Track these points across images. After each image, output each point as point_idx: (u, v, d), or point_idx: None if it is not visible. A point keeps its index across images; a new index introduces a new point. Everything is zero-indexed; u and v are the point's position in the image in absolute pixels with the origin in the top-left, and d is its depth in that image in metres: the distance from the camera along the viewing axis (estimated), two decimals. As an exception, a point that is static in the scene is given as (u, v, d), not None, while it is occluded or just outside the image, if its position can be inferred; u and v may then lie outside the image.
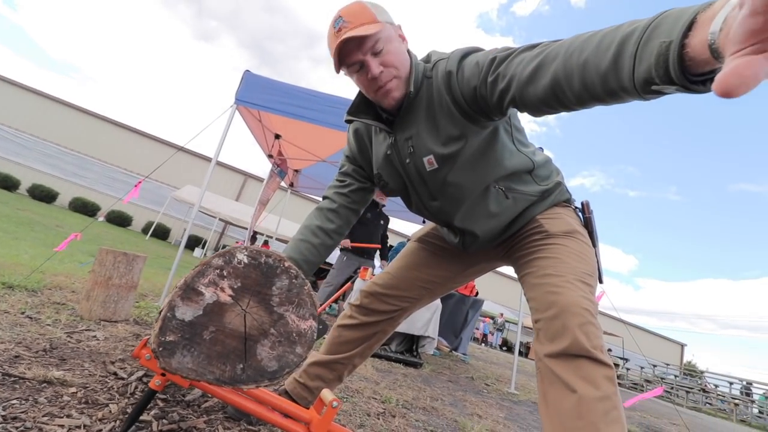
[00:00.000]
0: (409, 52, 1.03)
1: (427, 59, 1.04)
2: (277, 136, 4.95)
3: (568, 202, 1.17)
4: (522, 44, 0.86)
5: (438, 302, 3.62)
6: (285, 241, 13.22)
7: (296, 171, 6.45)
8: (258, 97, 3.42)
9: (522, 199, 1.09)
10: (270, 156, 5.14)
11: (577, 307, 0.84)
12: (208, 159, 17.84)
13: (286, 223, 12.95)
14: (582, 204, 1.19)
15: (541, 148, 2.84)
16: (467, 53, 0.95)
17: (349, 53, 0.93)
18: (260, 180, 17.74)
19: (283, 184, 6.19)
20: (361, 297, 1.37)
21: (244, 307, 0.73)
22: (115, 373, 1.41)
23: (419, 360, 3.41)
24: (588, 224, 1.14)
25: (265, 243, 13.42)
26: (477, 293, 5.44)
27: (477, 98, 0.90)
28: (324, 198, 1.32)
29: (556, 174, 1.19)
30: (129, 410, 1.12)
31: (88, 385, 1.24)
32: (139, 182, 3.36)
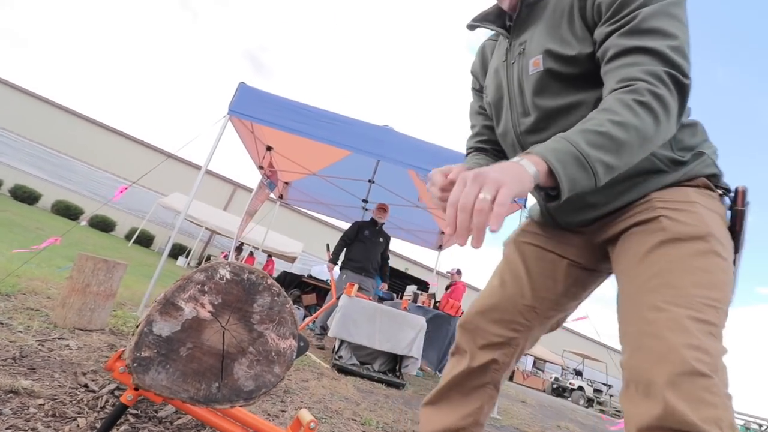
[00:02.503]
0: None
1: None
2: (269, 148, 4.96)
3: (712, 179, 0.84)
4: None
5: (423, 321, 3.60)
6: (271, 253, 13.07)
7: (286, 183, 6.44)
8: (251, 109, 3.44)
9: (647, 159, 0.83)
10: (260, 167, 5.13)
11: (670, 355, 0.63)
12: (197, 167, 17.69)
13: (274, 234, 12.83)
14: (736, 191, 0.84)
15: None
16: None
17: None
18: (250, 190, 17.65)
19: (272, 195, 6.17)
20: (456, 338, 1.10)
21: (224, 324, 0.72)
22: (86, 385, 1.36)
23: (402, 381, 3.36)
24: (737, 222, 0.81)
25: (251, 255, 13.25)
26: (462, 313, 5.43)
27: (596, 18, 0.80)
28: (468, 149, 1.21)
29: (707, 146, 0.88)
30: (98, 425, 1.08)
31: (56, 397, 1.19)
32: (126, 187, 3.32)
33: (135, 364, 0.64)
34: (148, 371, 0.65)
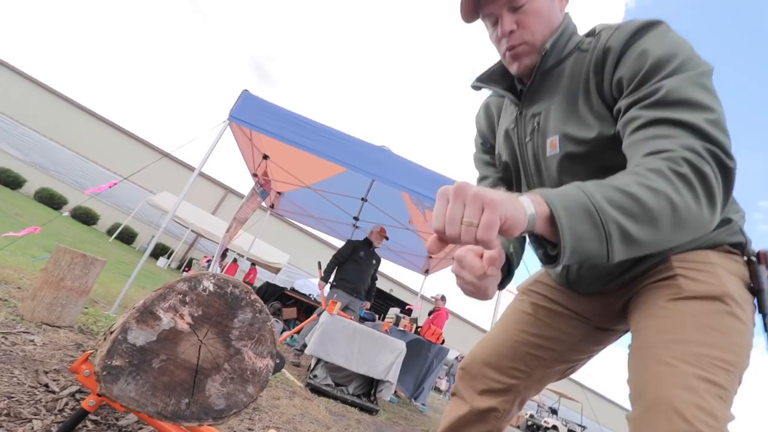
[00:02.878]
0: (567, 15, 0.87)
1: (591, 32, 0.85)
2: (266, 157, 4.96)
3: (737, 247, 0.80)
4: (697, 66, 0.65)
5: (402, 345, 3.54)
6: (255, 262, 12.88)
7: (279, 193, 6.41)
8: (252, 117, 3.45)
9: None
10: (255, 175, 5.11)
11: (672, 411, 0.59)
12: (189, 167, 17.54)
13: (261, 243, 12.68)
14: (758, 255, 0.79)
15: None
16: (641, 32, 0.72)
17: (487, 2, 0.82)
18: (241, 196, 17.50)
19: (263, 204, 6.13)
20: (456, 380, 1.08)
21: (201, 338, 0.70)
22: (46, 385, 1.30)
23: (376, 406, 3.28)
24: (755, 281, 0.77)
25: (234, 261, 13.03)
26: (443, 341, 5.37)
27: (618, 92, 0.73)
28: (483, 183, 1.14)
29: (733, 210, 0.83)
30: (54, 430, 1.03)
31: (13, 395, 1.13)
32: (116, 182, 3.27)
33: (104, 373, 0.62)
34: (117, 381, 0.63)
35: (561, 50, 0.83)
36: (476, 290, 0.65)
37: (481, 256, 0.64)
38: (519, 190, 1.00)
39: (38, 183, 15.00)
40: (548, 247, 0.57)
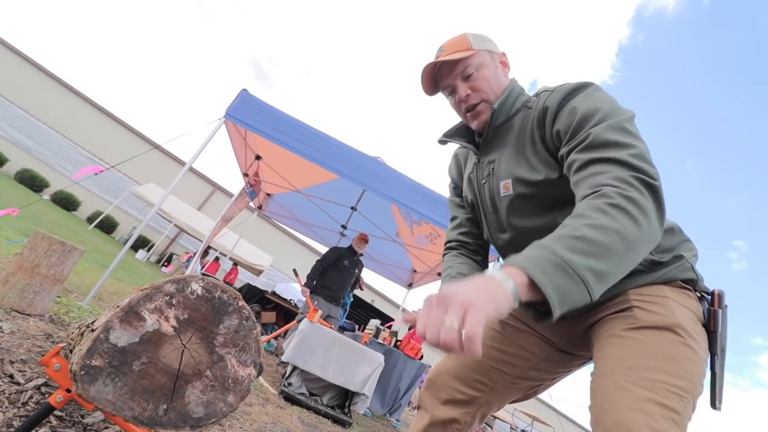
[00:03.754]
0: (513, 80, 1.03)
1: (536, 93, 1.00)
2: (258, 157, 4.93)
3: (689, 283, 0.87)
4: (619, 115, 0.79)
5: (381, 358, 3.51)
6: (237, 262, 12.67)
7: (268, 195, 6.36)
8: (248, 117, 3.44)
9: None
10: (245, 175, 5.07)
11: None
12: (178, 161, 17.28)
13: (245, 244, 12.51)
14: (712, 294, 0.87)
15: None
16: (572, 93, 0.87)
17: (442, 77, 1.00)
18: (229, 194, 17.29)
19: (251, 204, 6.07)
20: (421, 392, 1.12)
21: (185, 342, 0.68)
22: (11, 376, 1.25)
23: (349, 419, 3.23)
24: (711, 322, 0.83)
25: (216, 260, 12.81)
26: (422, 357, 5.35)
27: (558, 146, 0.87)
28: (448, 242, 1.23)
29: (686, 248, 0.91)
30: (17, 423, 0.98)
31: (-25, 387, 1.09)
32: (103, 169, 3.20)
33: (83, 372, 0.60)
34: (95, 382, 0.61)
35: (509, 108, 0.98)
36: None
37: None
38: (482, 225, 1.13)
39: (20, 163, 14.57)
40: (537, 306, 0.62)
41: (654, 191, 0.69)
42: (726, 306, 0.85)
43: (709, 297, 0.87)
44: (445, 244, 1.23)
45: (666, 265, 0.86)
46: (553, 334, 1.02)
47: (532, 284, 0.57)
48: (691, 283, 0.86)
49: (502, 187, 0.97)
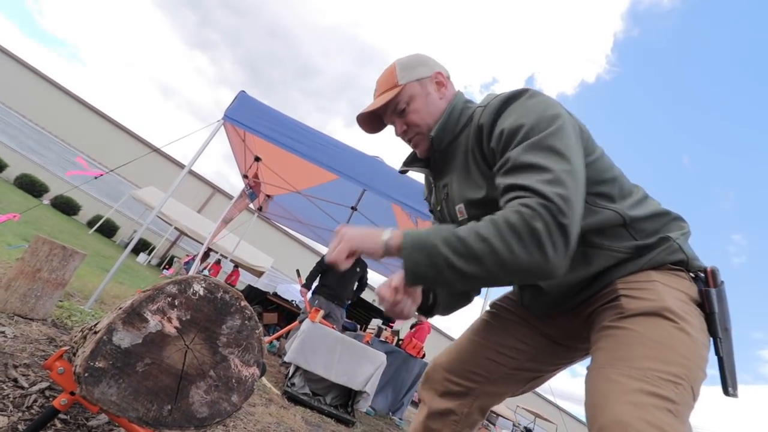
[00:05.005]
0: (456, 95, 1.02)
1: (481, 103, 0.99)
2: (257, 159, 4.93)
3: (679, 264, 0.84)
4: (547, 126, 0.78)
5: (383, 357, 3.51)
6: (238, 264, 12.68)
7: (268, 196, 6.36)
8: (247, 118, 3.44)
9: (602, 255, 0.86)
10: (245, 176, 5.07)
11: (619, 431, 0.59)
12: (177, 164, 17.28)
13: (246, 245, 12.51)
14: (706, 272, 0.83)
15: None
16: (501, 108, 0.86)
17: (383, 115, 1.04)
18: (229, 196, 17.28)
19: (251, 206, 6.07)
20: (419, 387, 1.14)
21: (188, 343, 0.68)
22: (15, 380, 1.25)
23: (352, 418, 3.24)
24: (706, 302, 0.79)
25: (218, 263, 12.82)
26: (424, 355, 5.35)
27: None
28: None
29: (674, 227, 0.89)
30: (21, 427, 0.99)
31: (-21, 391, 1.09)
32: (102, 173, 3.21)
33: (86, 374, 0.60)
34: (99, 383, 0.61)
35: (453, 128, 0.98)
36: (392, 310, 0.82)
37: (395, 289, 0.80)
38: None
39: (20, 168, 14.58)
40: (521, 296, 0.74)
41: (561, 228, 0.67)
42: (722, 283, 0.81)
43: (704, 277, 0.83)
44: None
45: (652, 248, 0.84)
46: (551, 327, 1.02)
47: (401, 248, 0.71)
48: (682, 264, 0.83)
49: (458, 212, 0.98)
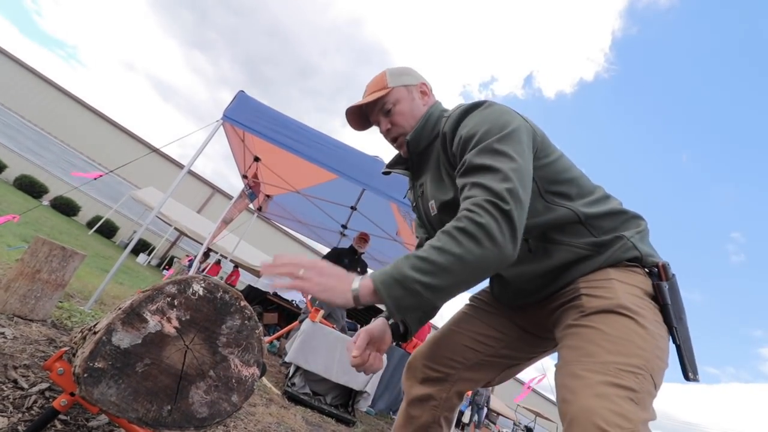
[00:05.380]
0: (434, 104, 1.12)
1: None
2: (257, 159, 4.92)
3: (635, 261, 0.90)
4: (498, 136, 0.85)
5: (384, 357, 3.51)
6: (238, 264, 12.68)
7: (268, 196, 6.36)
8: (246, 118, 3.43)
9: (563, 250, 0.92)
10: (244, 176, 5.07)
11: (588, 422, 0.63)
12: (176, 164, 17.27)
13: (245, 245, 12.50)
14: (658, 267, 0.89)
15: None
16: (460, 117, 0.96)
17: (370, 114, 1.12)
18: (229, 197, 17.27)
19: (251, 206, 6.07)
20: (402, 378, 1.20)
21: (188, 343, 0.68)
22: (15, 381, 1.25)
23: (353, 418, 3.24)
24: (659, 295, 0.85)
25: (218, 263, 12.82)
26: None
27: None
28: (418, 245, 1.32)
29: (630, 226, 0.95)
30: (21, 428, 0.99)
31: (-21, 392, 1.09)
32: (101, 174, 3.21)
33: (86, 375, 0.60)
34: (99, 384, 0.61)
35: (429, 134, 1.07)
36: (366, 369, 0.92)
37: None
38: None
39: (19, 169, 14.57)
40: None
41: (505, 214, 0.74)
42: (673, 275, 0.88)
43: (656, 272, 0.89)
44: None
45: (608, 246, 0.91)
46: (521, 319, 1.09)
47: (376, 292, 0.71)
48: (637, 261, 0.90)
49: (431, 208, 1.07)
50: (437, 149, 1.05)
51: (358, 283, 0.73)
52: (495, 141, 0.84)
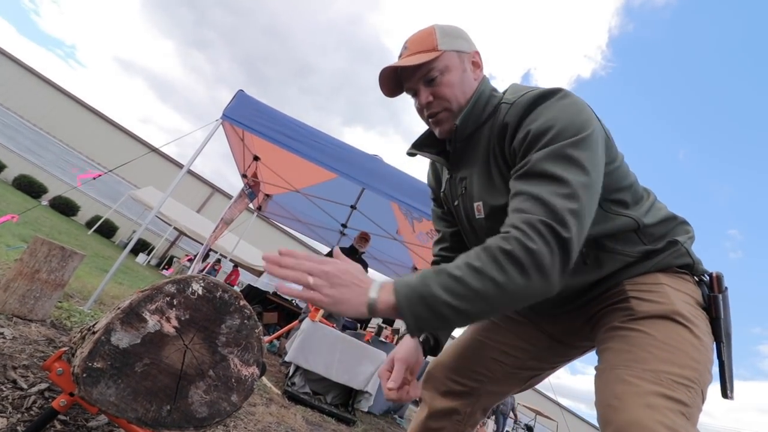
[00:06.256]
0: (483, 80, 0.92)
1: (506, 90, 0.92)
2: (256, 158, 4.92)
3: (686, 269, 0.84)
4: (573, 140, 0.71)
5: (384, 356, 3.51)
6: (238, 264, 12.67)
7: (267, 196, 6.35)
8: (245, 118, 3.42)
9: (616, 259, 0.84)
10: (244, 176, 5.06)
11: None
12: (176, 164, 17.26)
13: (245, 245, 12.50)
14: (711, 276, 0.84)
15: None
16: (531, 107, 0.79)
17: (406, 78, 0.90)
18: (229, 196, 17.26)
19: (251, 205, 6.06)
20: (421, 385, 1.08)
21: (187, 343, 0.68)
22: (14, 381, 1.25)
23: (353, 417, 3.24)
24: (712, 306, 0.80)
25: (218, 261, 12.81)
26: (423, 354, 5.34)
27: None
28: (433, 259, 1.18)
29: (681, 231, 0.89)
30: (21, 429, 0.98)
31: (-22, 392, 1.09)
32: (101, 173, 3.20)
33: (84, 375, 0.60)
34: (98, 384, 0.60)
35: (478, 117, 0.89)
36: (404, 400, 0.80)
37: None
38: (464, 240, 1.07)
39: (18, 169, 14.55)
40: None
41: (562, 243, 0.65)
42: (726, 288, 0.82)
43: (708, 280, 0.84)
44: (432, 258, 1.19)
45: (660, 252, 0.83)
46: (552, 326, 1.01)
47: (397, 307, 0.63)
48: (688, 268, 0.84)
49: (476, 209, 0.92)
50: (488, 139, 0.87)
51: (376, 293, 0.63)
52: (570, 145, 0.70)
